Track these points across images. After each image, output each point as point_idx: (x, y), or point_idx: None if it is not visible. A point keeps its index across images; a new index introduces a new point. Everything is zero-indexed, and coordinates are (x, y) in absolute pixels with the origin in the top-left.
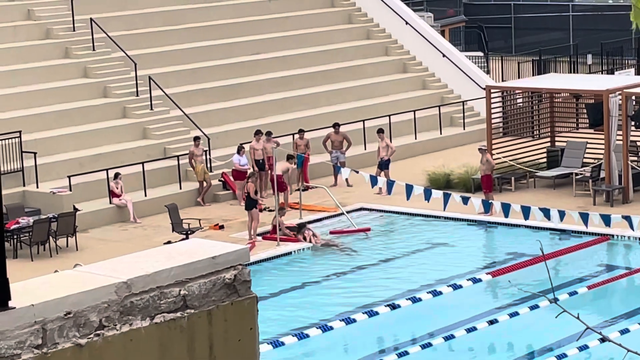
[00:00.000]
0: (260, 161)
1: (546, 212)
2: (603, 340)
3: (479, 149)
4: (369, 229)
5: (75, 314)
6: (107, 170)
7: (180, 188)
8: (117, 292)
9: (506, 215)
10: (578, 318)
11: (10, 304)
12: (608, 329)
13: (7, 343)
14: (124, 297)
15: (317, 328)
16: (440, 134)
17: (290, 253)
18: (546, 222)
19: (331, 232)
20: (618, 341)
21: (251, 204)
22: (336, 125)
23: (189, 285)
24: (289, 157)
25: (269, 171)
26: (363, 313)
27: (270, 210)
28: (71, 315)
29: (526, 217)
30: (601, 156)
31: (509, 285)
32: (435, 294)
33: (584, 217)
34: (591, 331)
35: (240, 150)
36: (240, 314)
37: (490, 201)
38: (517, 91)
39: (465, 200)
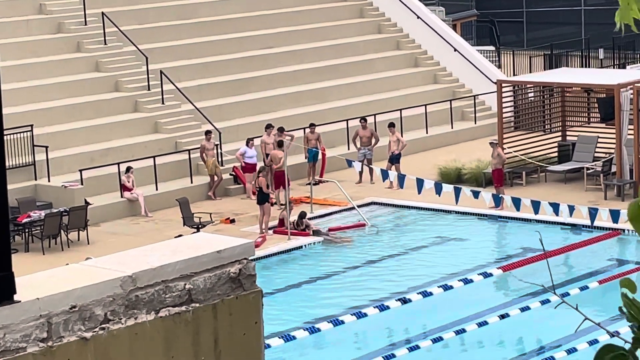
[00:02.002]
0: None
1: (555, 207)
2: (612, 335)
3: (490, 143)
4: (365, 224)
5: (80, 307)
6: (118, 164)
7: (192, 182)
8: (123, 285)
9: (517, 210)
10: (577, 309)
11: (16, 297)
12: (618, 323)
13: (13, 336)
14: (129, 290)
15: (328, 322)
16: (452, 128)
17: (301, 247)
18: (557, 217)
19: (330, 230)
20: (628, 337)
21: (263, 198)
22: (362, 120)
23: (194, 279)
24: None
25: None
26: (374, 307)
27: (282, 205)
28: (76, 308)
29: (536, 212)
30: (612, 150)
31: (519, 279)
32: (446, 288)
33: (592, 214)
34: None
35: (248, 142)
36: (245, 308)
37: (500, 195)
38: (528, 85)
39: (475, 195)
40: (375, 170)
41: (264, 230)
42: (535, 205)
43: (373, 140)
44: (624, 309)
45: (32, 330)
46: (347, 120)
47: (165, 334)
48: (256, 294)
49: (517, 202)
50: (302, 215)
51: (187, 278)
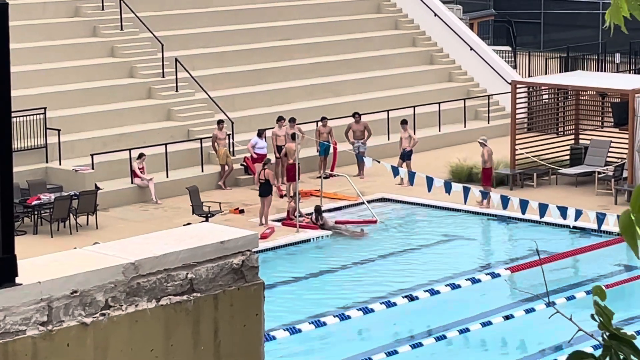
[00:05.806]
0: (282, 147)
1: (563, 211)
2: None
3: (479, 142)
4: (375, 221)
5: (81, 292)
6: (130, 150)
7: (202, 171)
8: (125, 272)
9: (523, 212)
10: (571, 320)
11: (17, 280)
12: (625, 329)
13: (13, 319)
14: (130, 278)
15: (334, 316)
16: (465, 127)
17: (309, 240)
18: (565, 220)
19: (336, 222)
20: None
21: (268, 190)
22: (356, 115)
23: (196, 269)
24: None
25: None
26: (381, 303)
27: (292, 197)
28: (77, 293)
29: (542, 215)
30: (625, 155)
31: (525, 281)
32: (454, 287)
33: (600, 219)
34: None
35: (260, 133)
36: (246, 299)
37: (488, 192)
38: (543, 87)
39: (484, 195)
40: (386, 166)
41: (263, 223)
42: (542, 209)
43: (366, 134)
44: (596, 317)
45: (32, 313)
46: (360, 115)
47: (165, 322)
48: (258, 286)
49: (524, 205)
50: (318, 209)
51: (190, 267)
